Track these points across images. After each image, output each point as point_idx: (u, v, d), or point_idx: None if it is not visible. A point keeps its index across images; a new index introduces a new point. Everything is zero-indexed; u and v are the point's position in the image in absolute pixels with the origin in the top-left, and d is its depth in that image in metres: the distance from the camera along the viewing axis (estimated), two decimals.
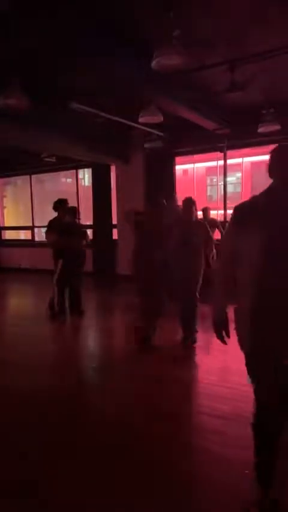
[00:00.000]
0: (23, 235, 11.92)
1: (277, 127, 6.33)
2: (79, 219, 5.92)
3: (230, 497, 2.08)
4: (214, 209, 8.31)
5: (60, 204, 5.84)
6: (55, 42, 4.09)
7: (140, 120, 5.98)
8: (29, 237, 11.11)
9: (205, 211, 7.76)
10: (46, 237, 5.91)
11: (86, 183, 12.93)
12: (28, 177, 11.04)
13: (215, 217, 8.11)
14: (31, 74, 4.97)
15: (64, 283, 5.68)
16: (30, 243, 10.85)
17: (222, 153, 8.01)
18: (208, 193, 22.62)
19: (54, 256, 5.72)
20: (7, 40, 4.06)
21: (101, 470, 2.32)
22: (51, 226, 5.73)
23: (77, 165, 9.82)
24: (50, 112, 6.24)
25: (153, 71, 4.10)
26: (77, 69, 4.93)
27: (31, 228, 10.90)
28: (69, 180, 15.22)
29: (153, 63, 3.98)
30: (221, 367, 4.01)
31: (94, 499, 2.09)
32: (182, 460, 2.41)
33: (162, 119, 5.89)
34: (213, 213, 8.01)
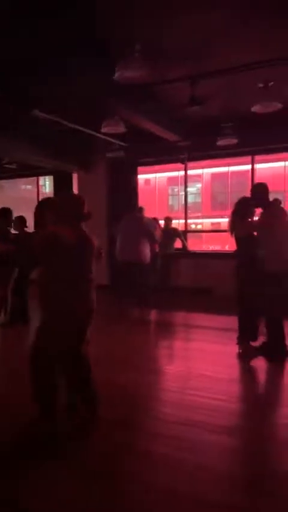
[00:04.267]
0: None
1: (235, 141, 6.58)
2: (27, 227, 5.81)
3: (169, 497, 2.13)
4: (175, 218, 8.47)
5: (6, 213, 5.72)
6: (17, 51, 4.08)
7: (103, 130, 6.03)
8: None
9: (167, 220, 7.92)
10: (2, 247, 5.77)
11: (47, 190, 12.80)
12: None
13: (177, 227, 8.25)
14: None
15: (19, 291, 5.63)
16: None
17: (181, 164, 8.22)
18: (170, 203, 23.05)
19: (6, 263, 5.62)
20: None
21: (61, 482, 2.29)
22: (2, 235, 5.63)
23: (38, 172, 9.71)
24: (12, 118, 6.16)
25: (116, 82, 4.18)
26: (40, 77, 4.90)
27: None
28: (28, 186, 15.01)
29: (116, 75, 4.05)
30: (181, 372, 4.08)
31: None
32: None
33: (124, 129, 5.97)
34: (174, 223, 8.16)
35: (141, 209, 6.50)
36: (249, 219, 4.34)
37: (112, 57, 4.04)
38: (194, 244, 8.76)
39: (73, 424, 2.87)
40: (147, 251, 6.09)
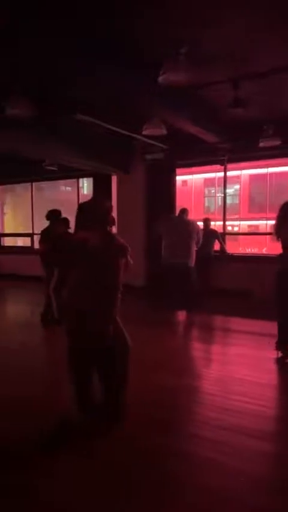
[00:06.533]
0: (20, 242, 11.97)
1: (278, 142, 6.47)
2: (70, 228, 5.97)
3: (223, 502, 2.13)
4: (212, 220, 8.42)
5: (52, 215, 5.92)
6: (60, 56, 4.20)
7: (144, 132, 6.09)
8: (27, 244, 11.18)
9: (206, 221, 7.85)
10: (40, 246, 5.98)
11: (85, 192, 13.05)
12: (27, 184, 11.11)
13: (215, 228, 8.19)
14: (37, 84, 5.08)
15: (59, 291, 5.79)
16: (29, 250, 10.87)
17: (221, 166, 8.15)
18: (206, 204, 22.89)
19: (46, 264, 5.79)
20: (14, 52, 4.15)
21: (100, 481, 2.34)
22: (45, 235, 5.83)
23: (79, 174, 9.91)
24: (54, 122, 6.34)
25: (158, 85, 4.22)
26: (83, 82, 5.03)
27: (30, 236, 10.95)
28: (68, 188, 15.32)
29: (160, 78, 4.10)
30: (221, 376, 4.06)
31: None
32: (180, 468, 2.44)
33: (165, 131, 6.00)
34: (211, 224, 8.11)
35: (185, 211, 6.47)
36: None
37: (154, 59, 4.08)
38: (231, 247, 8.66)
39: (108, 422, 2.92)
40: (194, 254, 6.12)
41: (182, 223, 6.24)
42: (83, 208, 2.92)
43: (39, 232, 6.10)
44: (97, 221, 2.82)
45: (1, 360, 4.52)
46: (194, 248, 6.14)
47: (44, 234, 5.90)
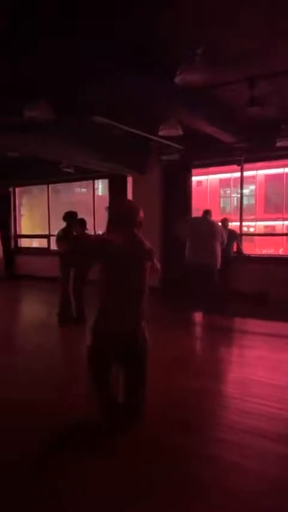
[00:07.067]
0: (36, 243, 12.10)
1: None
2: (87, 229, 6.02)
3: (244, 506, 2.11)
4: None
5: (69, 216, 5.97)
6: (77, 58, 4.22)
7: (160, 133, 6.09)
8: (43, 245, 11.29)
9: (224, 222, 7.78)
10: (59, 247, 6.02)
11: (100, 193, 13.12)
12: (43, 186, 11.23)
13: (234, 229, 8.13)
14: (55, 86, 5.12)
15: (77, 290, 5.85)
16: (46, 252, 10.99)
17: (237, 166, 8.09)
18: (221, 205, 22.75)
19: (64, 265, 5.84)
20: (33, 54, 4.20)
21: (124, 480, 2.34)
22: (62, 236, 5.89)
23: (95, 176, 9.97)
24: (71, 124, 6.39)
25: (174, 85, 4.21)
26: (100, 84, 5.05)
27: (47, 237, 11.06)
28: (83, 189, 15.45)
29: (177, 79, 4.09)
30: (240, 378, 4.02)
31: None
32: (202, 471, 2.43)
33: (181, 132, 5.99)
34: None
35: (209, 212, 6.44)
36: None
37: (171, 60, 4.08)
38: (247, 248, 8.58)
39: (128, 420, 2.92)
40: (219, 255, 6.12)
41: (206, 224, 6.22)
42: (111, 210, 2.93)
43: (56, 233, 6.17)
44: (122, 222, 2.81)
45: (18, 361, 4.57)
46: (219, 249, 6.13)
47: (61, 235, 5.96)
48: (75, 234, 5.94)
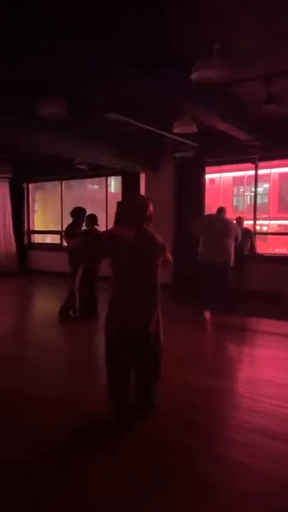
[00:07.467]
0: (49, 239, 12.17)
1: None
2: (98, 225, 6.02)
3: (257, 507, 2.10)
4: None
5: (76, 212, 5.98)
6: (93, 55, 4.22)
7: (174, 130, 6.06)
8: (56, 241, 11.37)
9: (239, 220, 7.71)
10: (68, 243, 6.04)
11: (113, 190, 13.13)
12: (56, 182, 11.29)
13: (249, 227, 8.06)
14: (70, 83, 5.13)
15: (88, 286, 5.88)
16: (58, 247, 11.05)
17: (251, 164, 8.01)
18: (234, 203, 22.57)
19: (73, 261, 5.85)
20: (50, 51, 4.21)
21: (129, 479, 2.34)
22: (71, 232, 5.90)
23: (108, 173, 9.98)
24: (85, 121, 6.40)
25: (189, 82, 4.18)
26: (115, 81, 5.04)
27: (59, 233, 11.12)
28: (95, 186, 15.48)
29: (193, 76, 4.06)
30: (251, 378, 4.00)
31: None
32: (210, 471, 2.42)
33: (196, 129, 5.96)
34: None
35: (223, 209, 6.40)
36: None
37: (187, 57, 4.05)
38: (260, 247, 8.50)
39: (139, 419, 2.92)
40: (233, 253, 6.09)
41: (220, 222, 6.18)
42: (121, 205, 2.93)
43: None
44: (132, 217, 2.80)
45: (25, 355, 4.62)
46: (233, 247, 6.09)
47: (66, 231, 5.99)
48: (85, 229, 5.95)
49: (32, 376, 3.87)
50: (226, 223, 6.19)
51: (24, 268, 11.47)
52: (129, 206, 2.88)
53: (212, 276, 6.01)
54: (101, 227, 6.08)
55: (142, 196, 2.97)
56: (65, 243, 8.87)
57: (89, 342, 5.11)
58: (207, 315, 6.20)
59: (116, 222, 2.88)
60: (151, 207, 2.87)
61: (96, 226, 5.98)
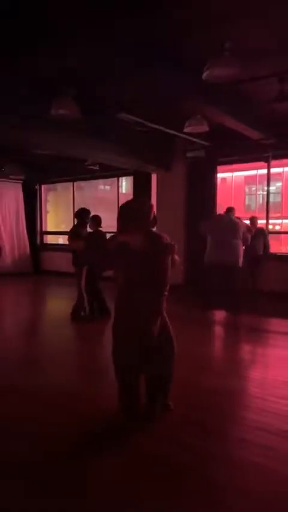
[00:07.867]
0: (61, 239, 12.24)
1: None
2: (102, 227, 6.02)
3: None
4: None
5: (80, 214, 6.00)
6: (104, 56, 4.24)
7: (186, 129, 6.05)
8: (67, 242, 11.44)
9: (253, 220, 7.66)
10: (73, 244, 5.98)
11: (124, 190, 13.16)
12: (68, 183, 11.37)
13: (263, 227, 8.00)
14: (82, 84, 5.16)
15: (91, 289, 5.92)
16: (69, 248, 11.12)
17: (264, 163, 7.94)
18: (246, 202, 22.40)
19: (76, 262, 5.87)
20: (62, 53, 4.25)
21: (135, 480, 2.33)
22: (75, 233, 5.92)
23: (119, 173, 10.01)
24: (97, 121, 6.43)
25: (200, 81, 4.17)
26: (126, 81, 5.06)
27: None
28: (107, 187, 15.52)
29: (205, 74, 4.04)
30: (264, 379, 3.97)
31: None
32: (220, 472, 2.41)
33: (207, 128, 5.93)
34: None
35: (232, 209, 6.35)
36: None
37: (197, 55, 4.03)
38: (273, 246, 8.41)
39: (149, 420, 2.91)
40: (241, 253, 6.03)
41: (228, 222, 6.14)
42: (123, 210, 2.85)
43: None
44: (137, 223, 2.76)
45: (35, 352, 4.65)
46: (241, 247, 6.03)
47: (72, 232, 6.01)
48: (89, 230, 5.96)
49: (44, 375, 3.91)
50: (234, 223, 6.14)
51: (37, 268, 11.57)
52: (133, 213, 2.84)
53: (219, 276, 5.97)
54: (112, 228, 6.08)
55: (143, 199, 2.93)
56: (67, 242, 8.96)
57: (100, 342, 5.13)
58: (218, 315, 6.17)
59: (121, 230, 2.84)
60: (154, 209, 2.87)
61: (100, 228, 5.98)
